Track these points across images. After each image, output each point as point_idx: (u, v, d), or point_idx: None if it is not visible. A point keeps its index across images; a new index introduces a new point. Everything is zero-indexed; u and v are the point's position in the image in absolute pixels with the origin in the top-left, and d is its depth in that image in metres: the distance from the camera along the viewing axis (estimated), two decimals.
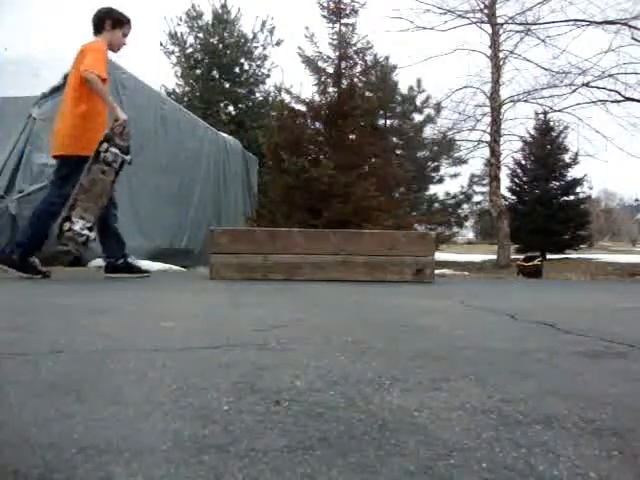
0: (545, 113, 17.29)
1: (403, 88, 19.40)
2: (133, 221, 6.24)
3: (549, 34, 12.09)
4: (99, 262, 5.29)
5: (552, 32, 12.14)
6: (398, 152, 17.45)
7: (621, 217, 58.90)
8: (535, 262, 6.60)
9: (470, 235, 44.52)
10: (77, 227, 3.61)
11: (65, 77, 5.40)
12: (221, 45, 14.89)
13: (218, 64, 14.82)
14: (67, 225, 3.59)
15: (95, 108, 3.78)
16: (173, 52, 15.20)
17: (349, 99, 10.20)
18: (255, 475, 0.65)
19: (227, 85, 15.02)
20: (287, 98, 10.84)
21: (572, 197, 20.78)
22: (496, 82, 12.99)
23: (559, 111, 13.30)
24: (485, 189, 18.52)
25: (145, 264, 5.49)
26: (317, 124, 10.77)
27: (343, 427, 0.82)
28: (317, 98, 10.91)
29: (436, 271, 4.53)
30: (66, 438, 0.75)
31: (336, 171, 9.19)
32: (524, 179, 21.12)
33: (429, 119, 19.32)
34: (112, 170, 3.72)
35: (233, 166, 9.71)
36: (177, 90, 15.01)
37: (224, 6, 15.21)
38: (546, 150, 20.34)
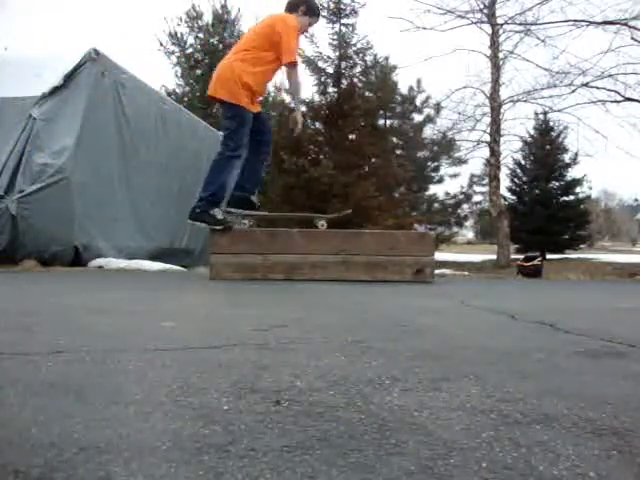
0: (545, 113, 17.32)
1: (403, 88, 19.46)
2: (133, 221, 6.24)
3: (549, 34, 12.14)
4: (99, 262, 5.30)
5: (552, 32, 12.19)
6: (398, 152, 17.46)
7: (621, 217, 58.87)
8: (535, 262, 6.59)
9: (470, 235, 44.50)
10: None
11: (65, 78, 5.40)
12: (221, 45, 14.91)
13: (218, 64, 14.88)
14: None
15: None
16: (173, 52, 15.23)
17: (349, 99, 10.22)
18: (255, 475, 0.65)
19: None
20: (287, 98, 10.85)
21: (572, 197, 20.83)
22: (496, 82, 13.01)
23: (559, 111, 13.34)
24: (485, 189, 18.58)
25: (145, 264, 5.50)
26: (317, 124, 10.80)
27: (343, 427, 0.82)
28: (317, 98, 10.95)
29: (436, 271, 4.53)
30: (66, 438, 0.75)
31: (336, 171, 9.21)
32: (524, 179, 21.15)
33: (429, 119, 19.37)
34: None
35: None
36: (177, 90, 15.02)
37: (224, 6, 15.26)
38: (546, 150, 20.36)
